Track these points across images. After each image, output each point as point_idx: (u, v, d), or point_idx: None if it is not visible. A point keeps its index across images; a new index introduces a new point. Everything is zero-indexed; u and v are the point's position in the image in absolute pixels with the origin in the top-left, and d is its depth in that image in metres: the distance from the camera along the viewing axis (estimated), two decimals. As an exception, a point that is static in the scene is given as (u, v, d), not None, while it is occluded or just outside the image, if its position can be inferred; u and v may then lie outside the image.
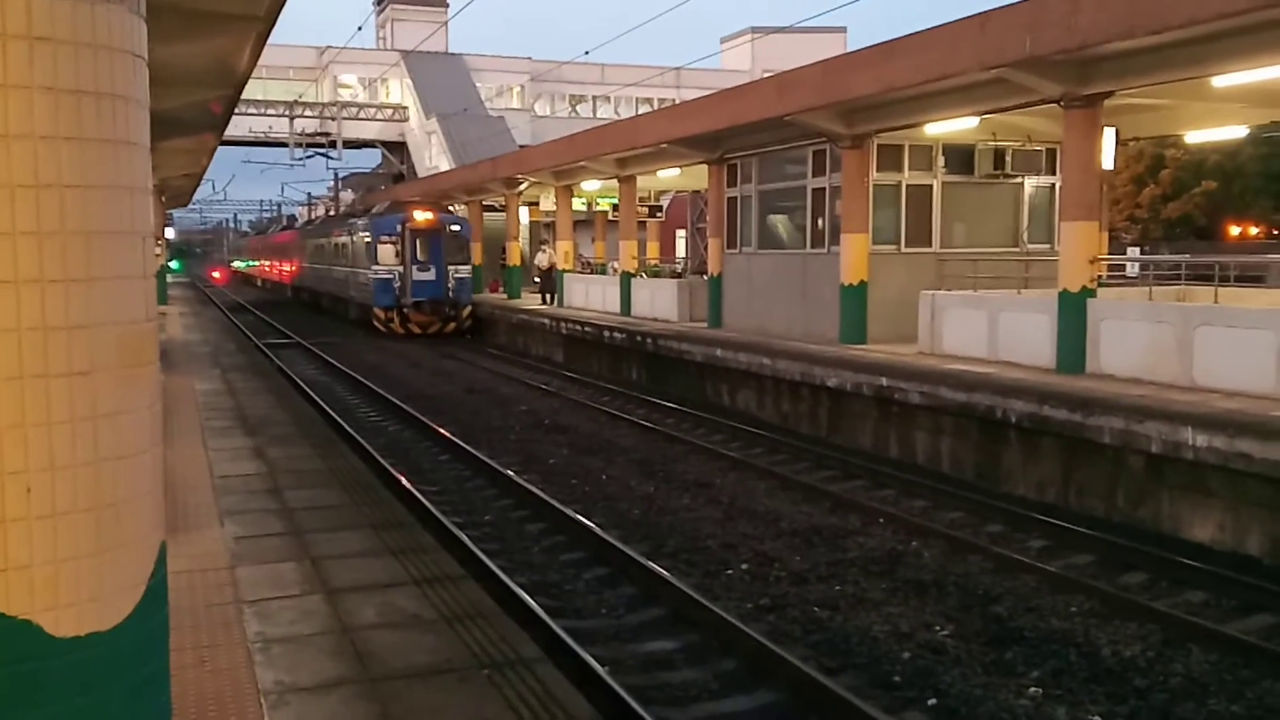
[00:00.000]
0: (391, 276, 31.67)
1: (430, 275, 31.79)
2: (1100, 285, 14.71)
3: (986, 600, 8.77)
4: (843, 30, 61.74)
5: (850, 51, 18.02)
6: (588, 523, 10.67)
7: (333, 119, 50.71)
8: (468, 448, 14.52)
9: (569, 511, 11.10)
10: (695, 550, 10.23)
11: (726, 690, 7.06)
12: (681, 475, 13.46)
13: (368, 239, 32.63)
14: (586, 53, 44.78)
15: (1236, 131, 19.01)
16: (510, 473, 12.97)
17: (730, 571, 9.60)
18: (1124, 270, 22.77)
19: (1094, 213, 14.34)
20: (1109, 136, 14.70)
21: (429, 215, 32.28)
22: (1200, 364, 12.25)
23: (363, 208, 43.06)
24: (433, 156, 54.05)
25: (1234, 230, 47.79)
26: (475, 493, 12.69)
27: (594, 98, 62.60)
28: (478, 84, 58.40)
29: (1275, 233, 48.07)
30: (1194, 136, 20.62)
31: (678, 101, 39.28)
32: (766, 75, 22.87)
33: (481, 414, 18.21)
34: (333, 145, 50.60)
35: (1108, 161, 15.06)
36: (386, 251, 31.70)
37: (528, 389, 21.21)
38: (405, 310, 31.66)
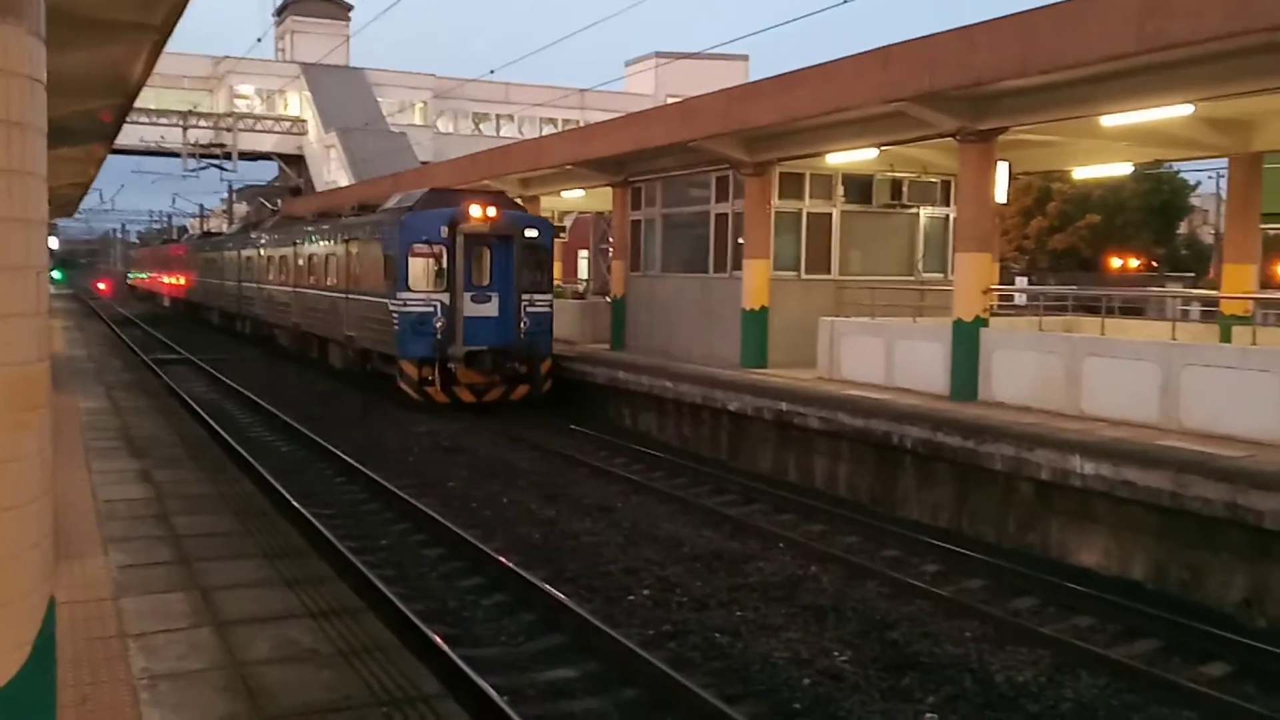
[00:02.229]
0: (430, 310, 20.03)
1: (491, 308, 20.49)
2: (992, 315, 15.10)
3: (883, 626, 8.88)
4: (745, 58, 62.78)
5: (754, 81, 18.27)
6: (485, 548, 10.53)
7: (228, 130, 49.68)
8: (364, 469, 14.24)
9: (468, 536, 10.95)
10: (596, 575, 10.18)
11: (627, 720, 7.02)
12: (582, 499, 13.39)
13: (388, 248, 20.93)
14: (492, 72, 44.59)
15: (1122, 169, 19.75)
16: (408, 496, 12.75)
17: (632, 597, 9.56)
18: (1012, 299, 23.47)
19: (987, 244, 14.74)
20: (1002, 171, 15.13)
21: (491, 211, 20.45)
22: (1088, 393, 12.65)
23: (357, 205, 28.80)
24: (331, 171, 53.29)
25: (1115, 262, 49.62)
26: (371, 516, 12.43)
27: (498, 117, 62.49)
28: (379, 99, 57.85)
29: (1154, 265, 50.08)
30: (1082, 172, 21.39)
31: (582, 123, 39.36)
32: (670, 100, 23.08)
33: (376, 435, 17.88)
34: (227, 157, 49.57)
35: (1001, 195, 15.51)
36: (421, 269, 20.34)
37: (424, 411, 20.89)
38: (451, 366, 19.96)
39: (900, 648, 8.38)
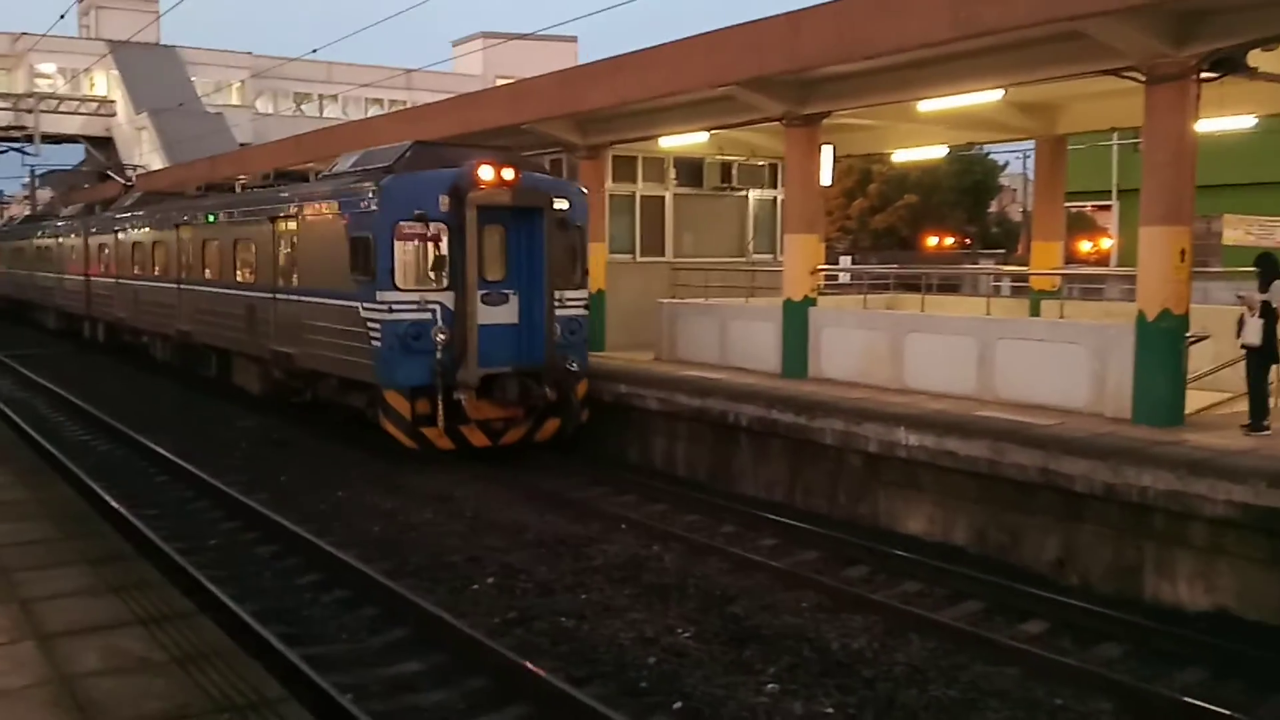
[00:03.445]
0: (427, 317, 13.96)
1: (509, 313, 14.66)
2: (819, 294, 15.56)
3: (724, 600, 9.09)
4: (574, 40, 62.59)
5: (585, 64, 18.31)
6: (319, 543, 10.29)
7: (29, 111, 46.79)
8: (189, 467, 13.68)
9: (302, 532, 10.68)
10: (439, 566, 10.07)
11: (476, 709, 6.99)
12: (422, 489, 13.20)
13: (358, 228, 14.46)
14: (314, 50, 43.22)
15: (938, 151, 20.59)
16: (236, 493, 12.33)
17: (476, 586, 9.51)
18: (837, 278, 24.22)
19: (815, 226, 15.17)
20: (827, 154, 15.57)
21: (508, 173, 14.30)
22: (910, 368, 13.19)
23: (272, 172, 21.88)
24: (144, 154, 50.81)
25: (932, 240, 51.74)
26: (199, 515, 11.99)
27: (321, 97, 60.63)
28: (194, 78, 55.42)
29: (968, 242, 52.44)
30: (900, 155, 22.19)
31: (409, 104, 38.57)
32: (500, 81, 22.83)
33: (202, 430, 17.18)
34: (29, 139, 46.68)
35: (826, 178, 15.95)
36: (411, 255, 14.12)
37: (257, 404, 20.21)
38: (459, 397, 13.90)
39: (741, 621, 8.60)
